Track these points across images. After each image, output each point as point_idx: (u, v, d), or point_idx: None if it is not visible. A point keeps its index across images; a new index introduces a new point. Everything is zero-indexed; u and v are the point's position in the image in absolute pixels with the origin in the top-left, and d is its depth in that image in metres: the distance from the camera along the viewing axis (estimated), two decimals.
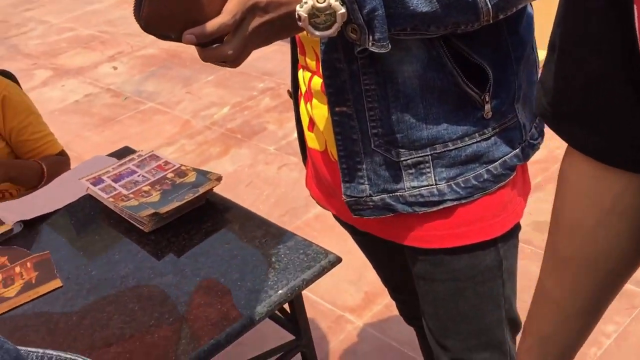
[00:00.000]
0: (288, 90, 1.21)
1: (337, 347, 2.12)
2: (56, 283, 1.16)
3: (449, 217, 1.00)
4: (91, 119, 3.73)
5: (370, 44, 0.81)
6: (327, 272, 1.07)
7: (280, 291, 1.03)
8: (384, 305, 2.26)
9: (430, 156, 0.95)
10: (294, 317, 1.13)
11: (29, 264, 1.22)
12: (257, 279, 1.07)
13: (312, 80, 1.03)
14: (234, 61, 0.81)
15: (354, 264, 2.48)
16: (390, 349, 2.10)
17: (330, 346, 2.11)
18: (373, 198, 0.98)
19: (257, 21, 0.79)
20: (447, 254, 1.02)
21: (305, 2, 0.77)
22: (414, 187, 0.97)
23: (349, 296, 2.34)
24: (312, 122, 1.09)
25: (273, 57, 3.93)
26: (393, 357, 2.07)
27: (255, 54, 0.86)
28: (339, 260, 1.08)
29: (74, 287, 1.14)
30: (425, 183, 0.96)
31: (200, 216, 1.27)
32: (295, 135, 1.14)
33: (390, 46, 0.81)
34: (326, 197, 1.19)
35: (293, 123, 1.16)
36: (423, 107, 0.92)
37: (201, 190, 1.26)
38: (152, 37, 0.82)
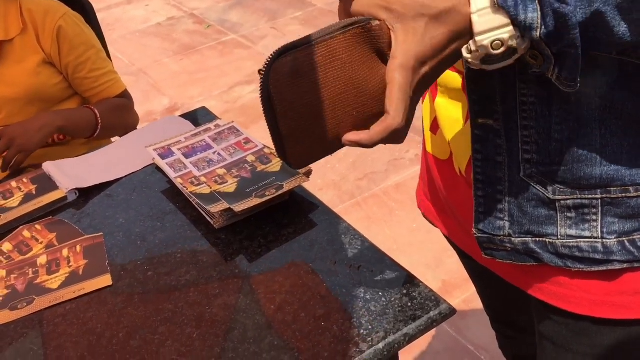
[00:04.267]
0: None
1: None
2: (106, 280, 0.97)
3: (610, 281, 0.76)
4: (171, 45, 3.56)
5: (553, 76, 0.60)
6: (436, 326, 0.85)
7: (374, 347, 0.81)
8: (463, 300, 2.04)
9: (600, 200, 0.71)
10: None
11: (78, 248, 1.04)
12: (346, 321, 0.85)
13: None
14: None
15: (433, 247, 2.25)
16: (465, 352, 1.88)
17: None
18: (513, 239, 0.77)
19: (421, 76, 0.60)
20: (596, 324, 0.79)
21: (475, 51, 0.58)
22: (570, 236, 0.74)
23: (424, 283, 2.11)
24: (436, 124, 0.85)
25: None
26: None
27: None
28: (452, 312, 0.85)
29: (125, 289, 0.96)
30: (587, 234, 0.73)
31: (281, 215, 1.05)
32: None
33: (578, 86, 0.61)
34: (439, 214, 0.96)
35: None
36: (600, 135, 0.68)
37: (286, 187, 1.03)
38: None
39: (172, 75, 3.31)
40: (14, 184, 1.19)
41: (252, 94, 3.07)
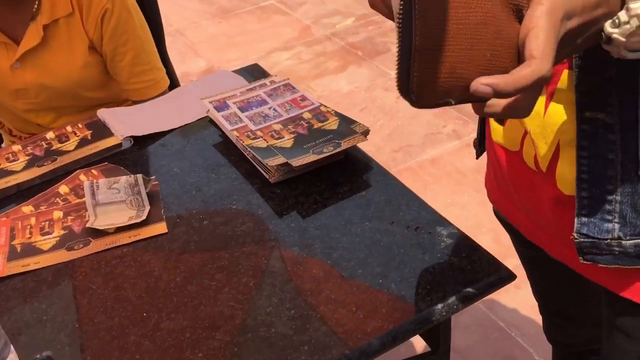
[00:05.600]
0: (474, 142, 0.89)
1: None
2: (161, 228, 0.98)
3: None
4: (209, 7, 3.54)
5: None
6: (494, 291, 0.84)
7: (433, 306, 0.81)
8: None
9: None
10: (436, 331, 0.91)
11: None
12: (404, 280, 0.85)
13: None
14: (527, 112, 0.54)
15: (467, 222, 2.23)
16: (495, 329, 1.88)
17: None
18: (623, 242, 0.72)
19: (567, 30, 0.53)
20: None
21: (626, 22, 0.52)
22: None
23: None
24: None
25: None
26: (497, 338, 1.85)
27: None
28: (512, 277, 0.85)
29: (181, 236, 0.96)
30: None
31: (336, 174, 1.04)
32: None
33: None
34: (512, 208, 0.91)
35: None
36: None
37: (344, 145, 1.03)
38: None
39: (210, 38, 3.30)
40: (69, 128, 1.19)
41: (289, 60, 3.05)
